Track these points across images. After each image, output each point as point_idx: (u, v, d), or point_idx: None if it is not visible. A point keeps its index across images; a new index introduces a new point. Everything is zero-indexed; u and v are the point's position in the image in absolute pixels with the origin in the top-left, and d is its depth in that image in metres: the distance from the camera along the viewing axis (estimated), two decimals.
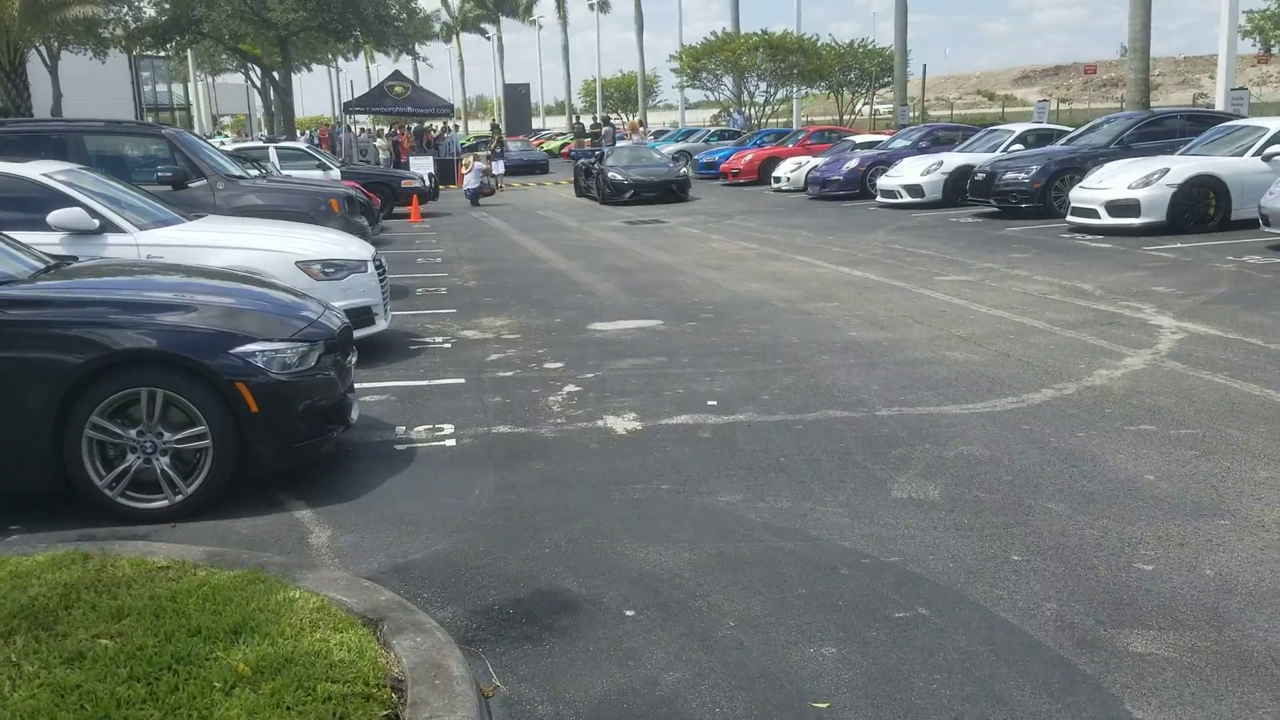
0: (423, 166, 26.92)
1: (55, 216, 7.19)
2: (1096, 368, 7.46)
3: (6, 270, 5.31)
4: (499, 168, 29.63)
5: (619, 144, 31.31)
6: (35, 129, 11.33)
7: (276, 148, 21.76)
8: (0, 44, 23.97)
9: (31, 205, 7.31)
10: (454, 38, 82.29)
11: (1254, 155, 14.16)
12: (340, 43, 37.94)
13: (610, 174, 24.57)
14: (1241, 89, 20.88)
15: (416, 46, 46.58)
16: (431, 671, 3.38)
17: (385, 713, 3.12)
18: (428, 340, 9.31)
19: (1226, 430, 5.96)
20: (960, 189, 18.94)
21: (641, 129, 43.19)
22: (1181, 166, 14.33)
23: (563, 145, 47.24)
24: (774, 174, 26.41)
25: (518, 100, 54.99)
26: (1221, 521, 4.70)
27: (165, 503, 4.99)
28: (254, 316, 5.37)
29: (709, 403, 6.96)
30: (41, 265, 5.61)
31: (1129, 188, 14.27)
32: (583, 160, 27.95)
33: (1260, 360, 7.46)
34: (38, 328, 4.87)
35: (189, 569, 4.08)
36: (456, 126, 57.62)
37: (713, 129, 39.85)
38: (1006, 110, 55.27)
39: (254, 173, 13.07)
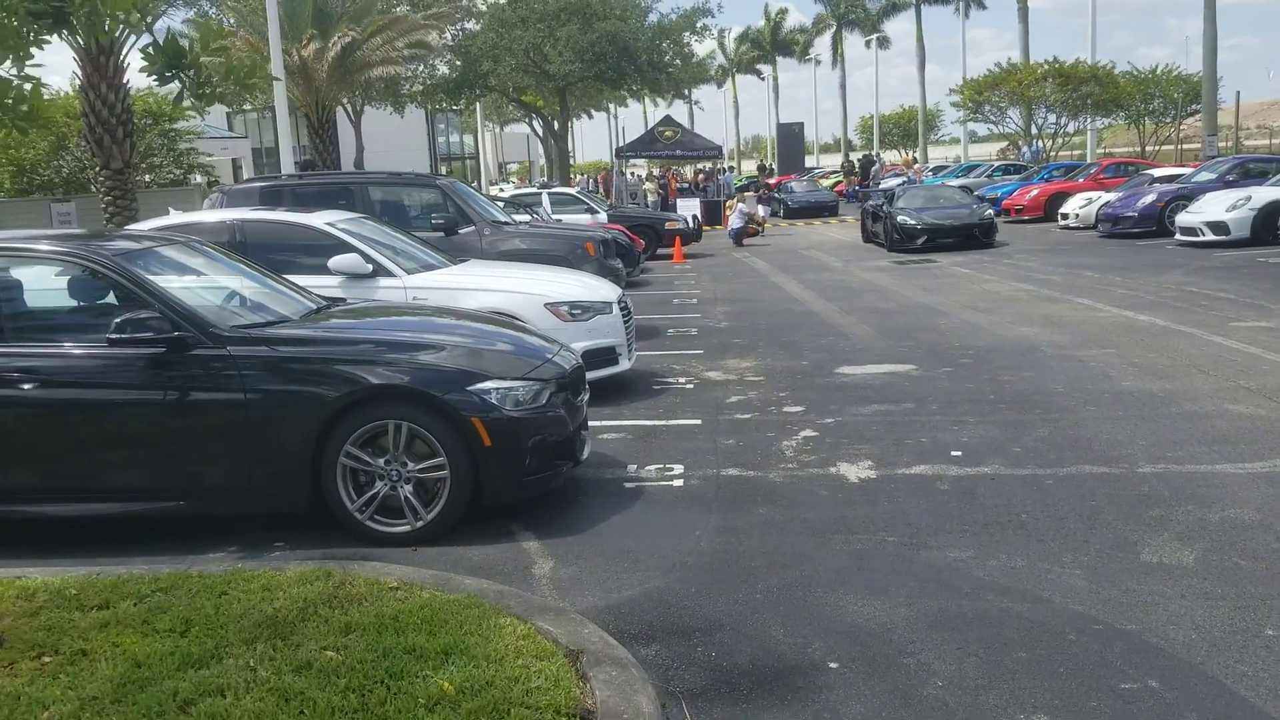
0: (688, 208, 27.53)
1: (335, 261, 7.96)
2: None
3: (282, 310, 5.92)
4: (763, 210, 28.96)
5: (886, 181, 30.40)
6: (328, 182, 12.55)
7: (549, 193, 22.95)
8: (310, 103, 26.74)
9: (318, 251, 8.13)
10: (729, 79, 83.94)
11: None
12: (615, 90, 39.58)
13: (899, 218, 21.51)
14: None
15: (690, 90, 47.92)
16: (622, 706, 3.44)
17: None
18: (671, 380, 9.48)
19: None
20: (1272, 227, 17.18)
21: (915, 164, 42.03)
22: None
23: (835, 183, 46.97)
24: (1061, 210, 24.94)
25: (791, 139, 55.15)
26: None
27: (408, 528, 5.34)
28: (492, 356, 5.68)
29: (953, 453, 6.66)
30: (313, 306, 6.21)
31: None
32: (871, 202, 25.02)
33: None
34: (303, 363, 5.37)
35: (415, 590, 4.36)
36: (731, 168, 58.60)
37: (996, 163, 38.29)
38: None
39: (520, 218, 13.84)
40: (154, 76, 3.65)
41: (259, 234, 8.40)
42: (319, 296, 6.52)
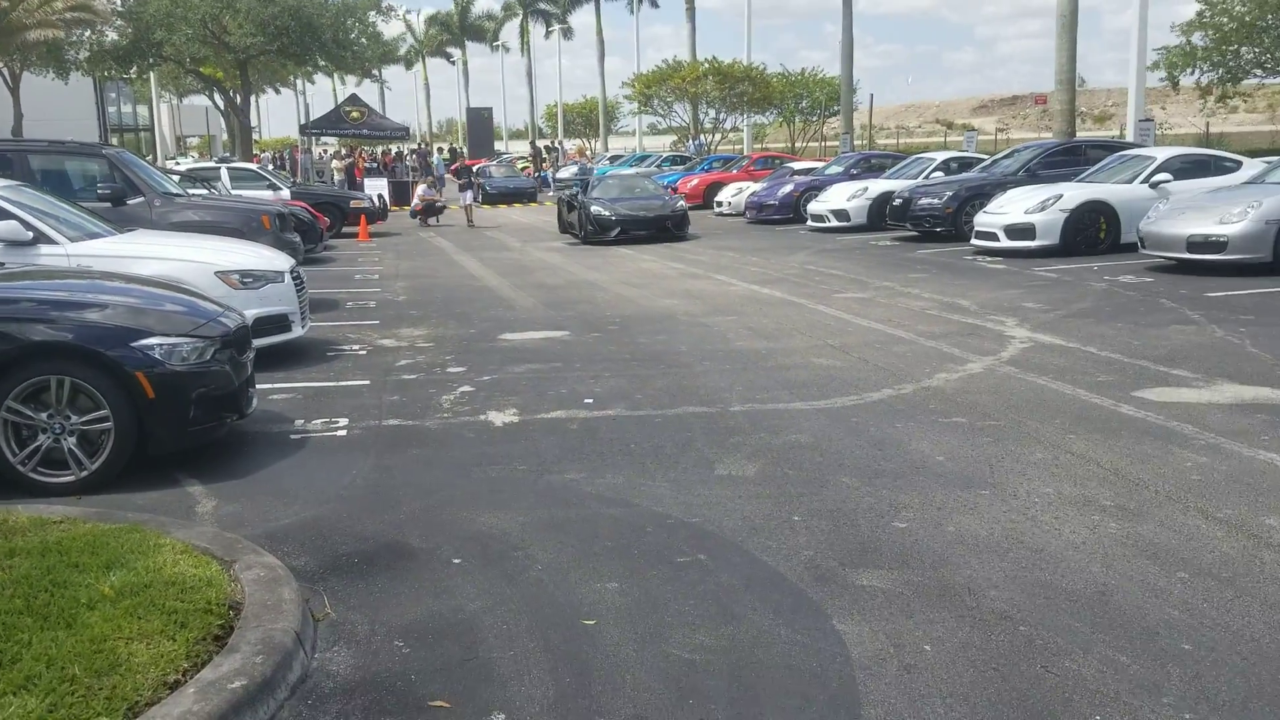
0: (375, 188, 27.70)
1: None
2: (939, 371, 8.28)
3: None
4: (468, 197, 27.65)
5: (563, 170, 31.56)
6: None
7: (228, 168, 22.49)
8: None
9: None
10: (420, 62, 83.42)
11: (1141, 183, 15.17)
12: (299, 66, 38.77)
13: (593, 208, 20.84)
14: (1148, 120, 22.05)
15: (380, 70, 47.60)
16: (267, 595, 4.11)
17: (220, 623, 3.85)
18: (345, 347, 10.04)
19: (1026, 422, 6.77)
20: (883, 214, 19.90)
21: (586, 154, 44.13)
22: (1075, 193, 15.32)
23: (522, 168, 48.30)
24: (716, 199, 27.36)
25: (481, 124, 55.93)
26: (983, 492, 5.50)
27: (72, 478, 5.67)
28: (156, 314, 6.09)
29: (586, 400, 7.72)
30: None
31: (1025, 213, 15.25)
32: (567, 191, 24.39)
33: (1086, 365, 8.31)
34: None
35: (78, 523, 4.79)
36: (440, 149, 58.71)
37: (665, 154, 40.94)
38: (955, 139, 56.76)
39: (195, 191, 13.78)
40: None
41: None
42: None
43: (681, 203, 22.45)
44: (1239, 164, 15.89)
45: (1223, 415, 6.72)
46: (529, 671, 3.76)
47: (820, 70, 42.46)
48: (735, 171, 30.01)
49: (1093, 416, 6.83)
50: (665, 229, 20.95)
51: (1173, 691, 3.46)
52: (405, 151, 41.05)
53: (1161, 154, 15.89)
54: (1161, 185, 14.86)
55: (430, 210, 26.55)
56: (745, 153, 38.82)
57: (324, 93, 78.15)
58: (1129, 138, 22.38)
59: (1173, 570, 4.41)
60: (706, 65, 39.93)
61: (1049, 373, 8.07)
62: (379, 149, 49.27)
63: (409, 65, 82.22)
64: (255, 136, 45.41)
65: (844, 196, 20.98)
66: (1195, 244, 12.71)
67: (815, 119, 43.21)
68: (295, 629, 3.88)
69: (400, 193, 31.28)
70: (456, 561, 4.79)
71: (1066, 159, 18.19)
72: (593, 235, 20.81)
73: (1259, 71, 22.81)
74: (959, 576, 4.46)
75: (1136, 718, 3.32)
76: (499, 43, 77.22)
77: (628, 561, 4.74)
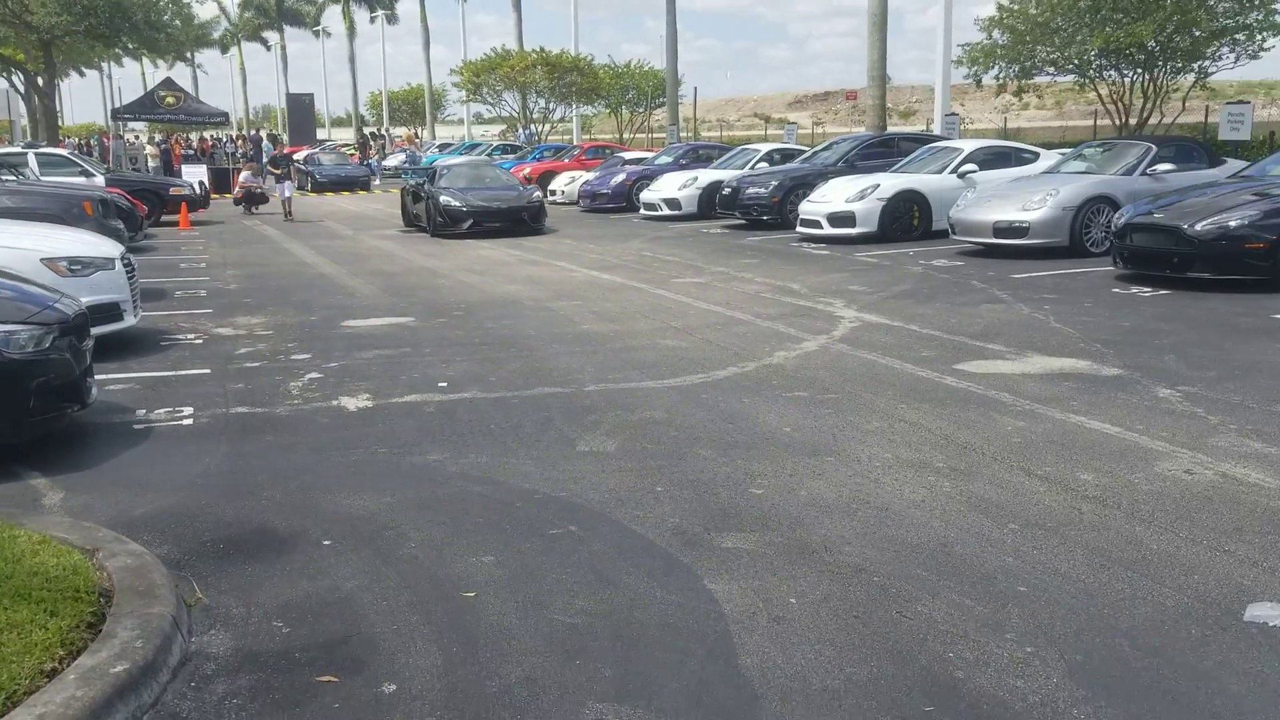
0: (195, 175, 26.54)
1: None
2: (778, 350, 8.69)
3: None
4: (286, 189, 25.12)
5: (391, 158, 30.98)
6: None
7: (36, 154, 21.16)
8: None
9: None
10: (235, 46, 79.89)
11: (950, 173, 16.17)
12: (108, 48, 36.62)
13: (443, 199, 19.38)
14: (953, 114, 23.46)
15: (195, 54, 45.49)
16: (137, 581, 4.04)
17: (92, 610, 3.76)
18: (180, 337, 9.70)
19: (861, 394, 7.21)
20: (713, 202, 20.48)
21: (415, 141, 43.52)
22: (891, 182, 16.19)
23: (350, 154, 47.12)
24: (550, 187, 27.47)
25: (301, 110, 54.04)
26: (828, 458, 5.85)
27: None
28: None
29: (440, 384, 7.74)
30: None
31: (846, 201, 16.02)
32: (412, 181, 22.43)
33: (910, 342, 8.88)
34: None
35: None
36: (272, 135, 56.44)
37: (496, 143, 40.78)
38: (775, 132, 58.71)
39: (8, 178, 12.97)
40: None
41: None
42: None
43: (537, 193, 21.25)
44: (1037, 155, 17.15)
45: (1035, 384, 7.34)
46: (414, 644, 3.83)
47: (646, 63, 43.29)
48: (567, 161, 30.22)
49: (921, 388, 7.33)
50: (521, 221, 19.59)
51: (1014, 628, 3.83)
52: (231, 137, 39.36)
53: (968, 146, 16.97)
54: (968, 175, 15.89)
55: (253, 198, 25.63)
56: (575, 142, 39.07)
57: (132, 76, 73.85)
58: (936, 131, 23.74)
59: (1004, 523, 4.84)
60: (535, 55, 39.99)
61: (878, 349, 8.58)
62: (194, 135, 47.16)
63: (224, 49, 78.56)
64: (59, 122, 42.48)
65: (675, 186, 21.47)
66: (1001, 229, 13.67)
67: (642, 110, 43.99)
68: (171, 612, 3.83)
69: (220, 180, 30.05)
70: (327, 543, 4.79)
71: (881, 151, 19.17)
72: (443, 228, 19.37)
73: (1050, 69, 24.47)
74: (815, 536, 4.76)
75: (984, 652, 3.67)
76: (320, 27, 74.74)
77: (501, 535, 4.85)
